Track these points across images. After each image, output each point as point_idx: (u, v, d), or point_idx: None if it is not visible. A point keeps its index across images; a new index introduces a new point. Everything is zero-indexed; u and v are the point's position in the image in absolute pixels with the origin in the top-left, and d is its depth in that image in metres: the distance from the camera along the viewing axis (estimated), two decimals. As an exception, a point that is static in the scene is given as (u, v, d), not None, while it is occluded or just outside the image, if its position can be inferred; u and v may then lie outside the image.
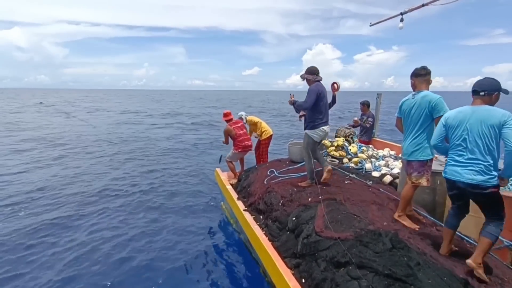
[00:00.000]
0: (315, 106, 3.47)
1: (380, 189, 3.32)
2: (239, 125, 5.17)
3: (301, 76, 3.62)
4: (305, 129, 3.58)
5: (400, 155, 5.23)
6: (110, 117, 21.18)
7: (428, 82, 2.65)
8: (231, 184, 4.65)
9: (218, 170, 5.25)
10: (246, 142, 5.11)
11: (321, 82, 3.55)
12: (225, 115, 5.27)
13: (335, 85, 4.45)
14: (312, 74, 3.55)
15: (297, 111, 3.73)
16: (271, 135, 5.66)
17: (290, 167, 4.20)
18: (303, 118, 3.71)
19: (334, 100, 5.45)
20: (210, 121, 21.12)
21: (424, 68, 2.64)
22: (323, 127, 3.54)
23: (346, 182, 3.52)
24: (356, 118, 6.23)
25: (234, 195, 4.09)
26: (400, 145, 5.72)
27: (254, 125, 5.57)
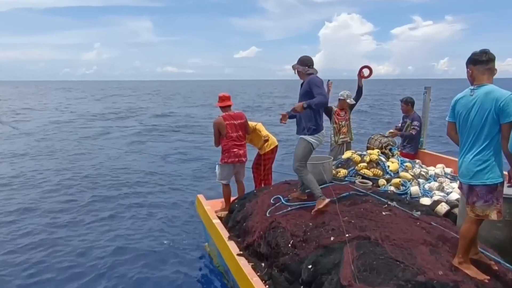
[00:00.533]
0: None
1: (433, 223, 3.32)
2: (238, 122, 5.06)
3: (292, 67, 4.04)
4: (300, 133, 3.92)
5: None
6: (43, 123, 21.51)
7: (492, 71, 2.62)
8: (220, 218, 4.66)
9: (200, 197, 5.29)
10: (235, 150, 5.03)
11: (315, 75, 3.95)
12: (221, 99, 5.13)
13: (366, 70, 4.41)
14: (304, 65, 3.95)
15: (293, 115, 4.02)
16: (276, 147, 5.74)
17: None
18: (285, 121, 4.09)
19: (360, 93, 5.45)
20: (188, 122, 21.91)
21: (485, 52, 2.61)
22: (323, 131, 3.93)
23: (383, 213, 3.51)
24: (393, 130, 6.23)
25: (224, 233, 4.11)
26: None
27: (253, 132, 5.61)
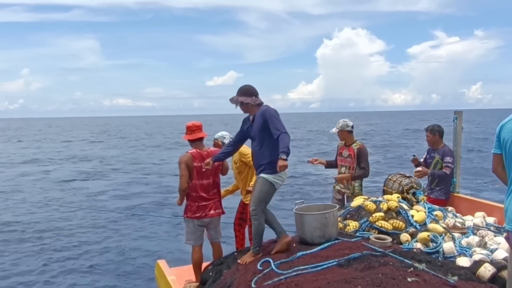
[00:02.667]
0: (273, 139, 4.21)
1: (474, 292, 3.28)
2: (205, 154, 5.00)
3: (231, 100, 4.45)
4: (261, 173, 4.33)
5: (505, 225, 5.25)
6: None
7: None
8: None
9: (161, 263, 5.24)
10: (203, 203, 4.99)
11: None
12: (189, 129, 5.08)
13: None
14: (250, 95, 4.40)
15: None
16: None
17: (300, 253, 4.12)
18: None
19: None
20: (147, 164, 22.59)
21: None
22: (286, 170, 4.24)
23: (409, 279, 3.42)
24: (421, 168, 6.23)
25: None
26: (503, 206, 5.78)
27: (244, 165, 5.65)
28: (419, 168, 6.22)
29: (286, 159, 4.08)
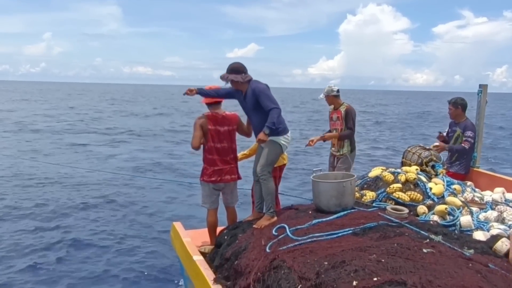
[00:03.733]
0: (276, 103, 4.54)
1: (490, 265, 3.26)
2: (225, 128, 4.97)
3: (222, 77, 4.64)
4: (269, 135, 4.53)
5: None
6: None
7: None
8: (203, 253, 4.65)
9: (177, 225, 5.28)
10: (218, 166, 4.99)
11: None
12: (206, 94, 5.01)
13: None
14: (240, 73, 4.58)
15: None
16: (285, 165, 5.87)
17: (315, 221, 4.14)
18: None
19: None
20: (165, 130, 22.80)
21: None
22: (289, 133, 4.72)
23: (424, 250, 3.42)
24: (439, 143, 6.25)
25: (209, 274, 4.07)
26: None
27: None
28: (437, 143, 6.19)
29: (267, 134, 4.41)
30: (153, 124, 29.88)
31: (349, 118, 6.12)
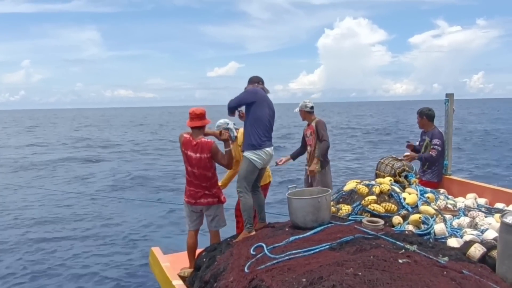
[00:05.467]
0: (254, 115, 4.78)
1: (465, 272, 3.28)
2: (197, 156, 4.89)
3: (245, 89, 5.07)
4: (243, 150, 4.82)
5: (495, 205, 5.28)
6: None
7: None
8: (182, 277, 4.62)
9: (156, 250, 5.23)
10: (192, 188, 4.99)
11: (265, 91, 5.03)
12: (189, 116, 5.07)
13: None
14: (252, 83, 5.03)
15: (232, 108, 5.06)
16: (269, 183, 5.97)
17: (293, 238, 4.13)
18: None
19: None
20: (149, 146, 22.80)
21: None
22: (267, 148, 4.81)
23: (400, 261, 3.44)
24: (409, 153, 6.32)
25: None
26: (495, 187, 5.81)
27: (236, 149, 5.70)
28: (407, 153, 6.27)
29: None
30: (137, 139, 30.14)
31: (320, 129, 6.10)
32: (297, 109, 6.36)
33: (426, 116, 6.39)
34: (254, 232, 4.62)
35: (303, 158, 6.51)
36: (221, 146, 5.02)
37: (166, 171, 17.49)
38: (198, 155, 4.89)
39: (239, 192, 4.80)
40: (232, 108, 5.00)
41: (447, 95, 6.61)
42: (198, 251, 5.05)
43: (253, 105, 4.83)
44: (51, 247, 8.54)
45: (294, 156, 6.56)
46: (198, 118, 4.97)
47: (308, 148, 6.35)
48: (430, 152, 6.24)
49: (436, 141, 6.24)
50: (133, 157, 22.65)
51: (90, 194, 12.89)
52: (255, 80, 5.05)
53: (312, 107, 6.27)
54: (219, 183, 5.73)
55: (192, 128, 4.98)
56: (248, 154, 4.75)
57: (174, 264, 4.88)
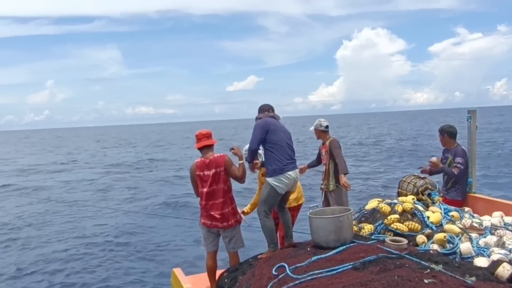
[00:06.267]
0: (270, 142, 4.84)
1: (493, 293, 3.22)
2: (213, 171, 4.94)
3: (256, 119, 5.17)
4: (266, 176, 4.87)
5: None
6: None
7: None
8: None
9: (177, 271, 5.23)
10: (209, 212, 4.99)
11: (276, 117, 5.12)
12: (197, 138, 5.17)
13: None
14: (263, 111, 5.14)
15: (250, 160, 5.13)
16: (301, 205, 5.99)
17: (315, 258, 4.08)
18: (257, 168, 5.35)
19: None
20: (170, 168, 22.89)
21: None
22: (290, 172, 4.81)
23: (426, 281, 3.38)
24: (435, 158, 6.30)
25: None
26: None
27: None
28: (434, 158, 6.23)
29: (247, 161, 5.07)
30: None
31: (333, 149, 6.16)
32: (312, 128, 6.42)
33: (447, 133, 6.34)
34: (278, 250, 4.69)
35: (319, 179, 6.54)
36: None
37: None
38: (213, 170, 4.97)
39: (258, 215, 4.86)
40: (254, 151, 5.03)
41: (469, 111, 6.55)
42: (219, 271, 5.02)
43: (266, 135, 4.90)
44: (76, 263, 8.83)
45: (310, 166, 6.62)
46: (206, 137, 5.10)
47: (324, 166, 6.39)
48: (453, 170, 6.17)
49: (459, 159, 6.17)
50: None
51: (112, 209, 13.22)
52: (265, 109, 5.15)
53: (327, 126, 6.34)
54: (245, 209, 5.85)
55: (202, 148, 5.07)
56: (270, 179, 4.78)
57: (195, 286, 4.88)
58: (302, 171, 6.31)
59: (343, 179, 6.00)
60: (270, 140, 4.86)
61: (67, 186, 20.60)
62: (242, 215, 5.33)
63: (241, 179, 5.08)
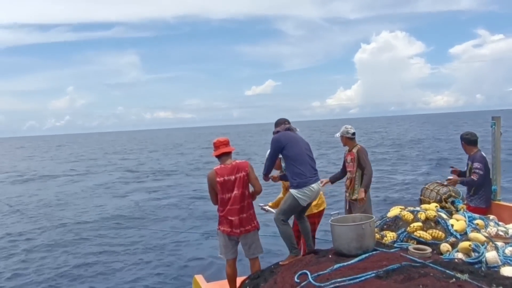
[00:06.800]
0: (290, 156, 4.91)
1: (521, 303, 3.16)
2: (236, 176, 5.00)
3: (273, 133, 5.30)
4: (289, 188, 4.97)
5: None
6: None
7: None
8: None
9: (199, 278, 5.28)
10: (229, 218, 4.98)
11: (292, 129, 5.23)
12: (215, 146, 5.23)
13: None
14: (278, 125, 5.27)
15: (266, 173, 5.33)
16: (323, 210, 5.96)
17: (337, 265, 4.05)
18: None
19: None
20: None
21: None
22: (313, 185, 4.88)
23: (451, 290, 3.35)
24: (452, 177, 6.22)
25: None
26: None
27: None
28: (450, 177, 6.17)
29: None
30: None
31: (361, 158, 6.08)
32: (338, 134, 6.34)
33: (464, 140, 6.35)
34: (300, 255, 4.74)
35: (343, 184, 6.45)
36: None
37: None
38: (237, 175, 5.00)
39: (276, 222, 4.90)
40: (269, 168, 5.26)
41: (493, 118, 6.49)
42: (239, 279, 5.01)
43: (284, 149, 4.97)
44: (96, 270, 9.01)
45: (333, 180, 6.54)
46: (224, 145, 5.15)
47: (348, 174, 6.30)
48: (472, 177, 6.11)
49: (476, 164, 6.10)
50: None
51: (135, 224, 13.33)
52: (281, 122, 5.27)
53: (353, 133, 6.26)
54: (270, 204, 6.06)
55: (221, 155, 5.11)
56: (294, 191, 4.85)
57: None
58: (323, 184, 6.22)
59: (362, 194, 5.98)
60: (291, 154, 4.92)
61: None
62: (267, 206, 5.81)
63: (259, 186, 5.17)
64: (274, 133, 5.26)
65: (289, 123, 5.28)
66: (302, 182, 4.81)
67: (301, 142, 5.09)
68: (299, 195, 4.82)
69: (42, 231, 13.21)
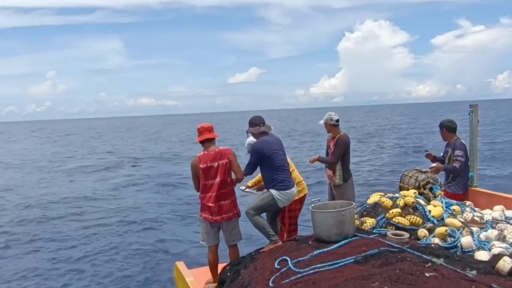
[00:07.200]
0: (271, 164, 4.96)
1: (493, 285, 3.23)
2: (219, 163, 4.96)
3: (246, 132, 5.36)
4: (268, 188, 5.03)
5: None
6: None
7: None
8: None
9: (180, 264, 5.26)
10: (210, 204, 4.95)
11: (269, 132, 5.18)
12: (199, 132, 5.17)
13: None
14: (254, 125, 5.17)
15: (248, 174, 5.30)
16: (305, 195, 5.94)
17: (317, 252, 4.11)
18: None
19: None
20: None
21: None
22: (292, 189, 5.06)
23: (427, 274, 3.40)
24: (436, 164, 6.21)
25: None
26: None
27: None
28: (434, 164, 6.20)
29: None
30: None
31: (337, 145, 6.02)
32: (321, 122, 6.25)
33: (445, 128, 6.37)
34: (280, 242, 4.76)
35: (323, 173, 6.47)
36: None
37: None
38: (219, 162, 4.95)
39: (247, 215, 4.96)
40: (251, 173, 5.29)
41: (471, 105, 6.57)
42: (220, 265, 5.03)
43: (266, 159, 5.00)
44: (76, 258, 8.90)
45: (321, 160, 6.48)
46: (207, 131, 5.09)
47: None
48: (454, 164, 6.16)
49: (458, 152, 6.16)
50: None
51: (113, 208, 13.15)
52: (256, 123, 5.18)
53: (337, 120, 6.15)
54: (249, 183, 6.02)
55: (204, 141, 5.06)
56: (275, 192, 4.94)
57: (198, 279, 4.90)
58: (314, 160, 6.31)
59: (313, 158, 6.24)
60: (273, 164, 5.00)
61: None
62: (247, 188, 5.88)
63: (240, 174, 5.11)
64: (247, 132, 5.29)
65: (264, 124, 5.22)
66: (284, 186, 4.94)
67: (280, 149, 5.14)
68: (279, 197, 4.94)
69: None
